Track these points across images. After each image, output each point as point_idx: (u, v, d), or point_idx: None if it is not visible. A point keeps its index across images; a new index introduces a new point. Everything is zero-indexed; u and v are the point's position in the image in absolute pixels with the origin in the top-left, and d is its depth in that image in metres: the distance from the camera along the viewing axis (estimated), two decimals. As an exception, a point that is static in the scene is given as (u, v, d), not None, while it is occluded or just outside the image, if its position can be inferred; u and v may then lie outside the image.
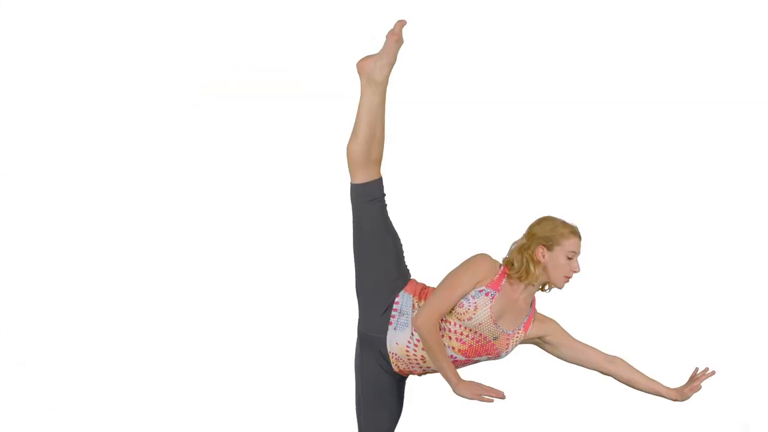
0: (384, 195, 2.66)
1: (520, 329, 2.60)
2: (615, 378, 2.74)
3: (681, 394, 2.69)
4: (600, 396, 4.22)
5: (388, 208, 2.73)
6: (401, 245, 2.71)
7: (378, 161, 2.67)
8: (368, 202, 2.65)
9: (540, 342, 2.73)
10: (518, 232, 4.37)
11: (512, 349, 2.65)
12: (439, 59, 4.29)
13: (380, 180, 2.68)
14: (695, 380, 2.70)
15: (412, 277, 2.70)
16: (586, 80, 4.37)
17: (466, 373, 2.64)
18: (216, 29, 4.36)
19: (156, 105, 4.35)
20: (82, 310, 4.29)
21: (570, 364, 2.76)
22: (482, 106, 4.28)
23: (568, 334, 2.74)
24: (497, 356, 2.63)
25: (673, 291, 4.37)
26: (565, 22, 4.39)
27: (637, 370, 2.72)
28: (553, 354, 2.75)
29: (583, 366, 2.74)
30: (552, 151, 4.23)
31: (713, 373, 2.68)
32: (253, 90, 4.30)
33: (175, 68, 4.35)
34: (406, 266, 2.71)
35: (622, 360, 2.73)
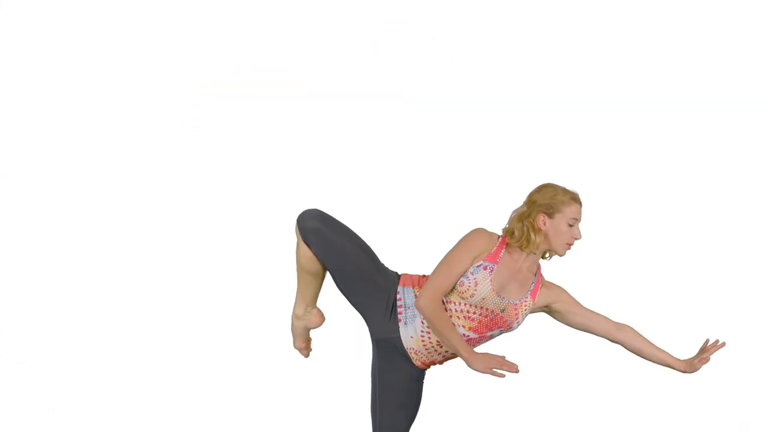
0: (321, 221, 2.62)
1: (527, 298, 2.58)
2: (623, 346, 2.70)
3: (690, 365, 2.67)
4: (599, 396, 4.22)
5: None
6: (370, 248, 2.69)
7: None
8: (314, 232, 2.62)
9: (548, 310, 2.71)
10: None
11: (523, 319, 2.62)
12: (439, 59, 4.29)
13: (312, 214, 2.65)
14: (705, 352, 2.67)
15: (402, 273, 2.69)
16: (586, 80, 4.38)
17: (483, 349, 2.63)
18: (216, 29, 4.36)
19: (156, 105, 4.35)
20: (82, 310, 4.30)
21: (579, 331, 2.74)
22: (482, 106, 4.28)
23: (576, 301, 2.71)
24: (509, 328, 2.61)
25: (672, 291, 4.37)
26: (564, 22, 4.39)
27: (646, 339, 2.70)
28: (562, 321, 2.72)
29: (591, 333, 2.71)
30: (552, 151, 4.24)
31: (723, 344, 2.65)
32: (253, 90, 4.30)
33: (175, 68, 4.36)
34: (384, 265, 2.71)
35: (631, 328, 2.70)
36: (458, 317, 2.53)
